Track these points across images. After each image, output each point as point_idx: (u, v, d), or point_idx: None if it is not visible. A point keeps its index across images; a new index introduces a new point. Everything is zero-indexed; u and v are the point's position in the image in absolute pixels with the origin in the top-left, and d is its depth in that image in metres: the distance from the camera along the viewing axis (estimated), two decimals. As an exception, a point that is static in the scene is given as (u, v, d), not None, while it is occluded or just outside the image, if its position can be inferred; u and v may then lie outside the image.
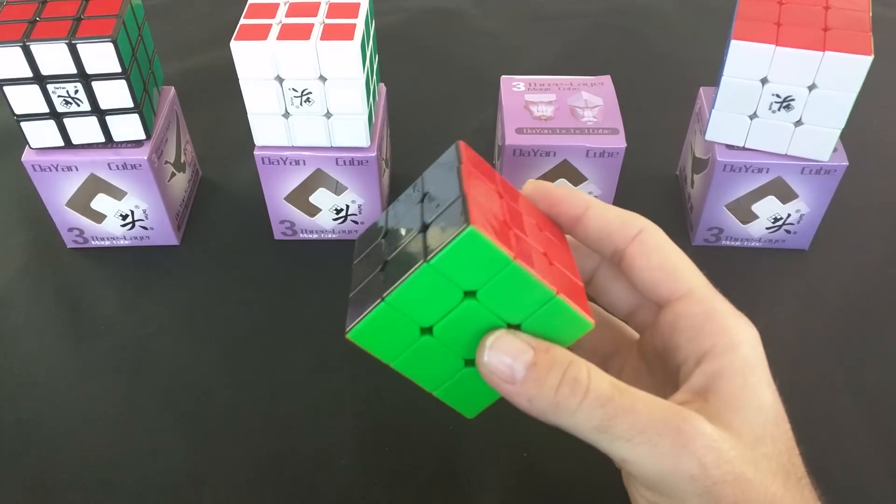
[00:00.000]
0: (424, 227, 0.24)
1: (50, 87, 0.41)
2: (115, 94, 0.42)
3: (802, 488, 0.25)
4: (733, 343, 0.26)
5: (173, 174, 0.48)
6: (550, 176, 0.45)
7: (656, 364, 0.29)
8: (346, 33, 0.39)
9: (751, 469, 0.24)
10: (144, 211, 0.46)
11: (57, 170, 0.44)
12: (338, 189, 0.46)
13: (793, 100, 0.41)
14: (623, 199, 0.47)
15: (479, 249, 0.22)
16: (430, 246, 0.23)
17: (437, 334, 0.25)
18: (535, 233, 0.26)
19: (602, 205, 0.28)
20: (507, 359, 0.24)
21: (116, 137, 0.44)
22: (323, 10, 0.41)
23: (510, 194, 0.27)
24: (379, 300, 0.24)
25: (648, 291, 0.28)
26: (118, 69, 0.41)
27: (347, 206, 0.47)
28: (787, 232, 0.47)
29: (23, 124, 0.42)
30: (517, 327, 0.25)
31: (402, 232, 0.25)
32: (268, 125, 0.43)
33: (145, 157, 0.44)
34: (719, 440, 0.23)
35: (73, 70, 0.40)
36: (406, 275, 0.23)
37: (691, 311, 0.27)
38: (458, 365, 0.26)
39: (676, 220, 0.50)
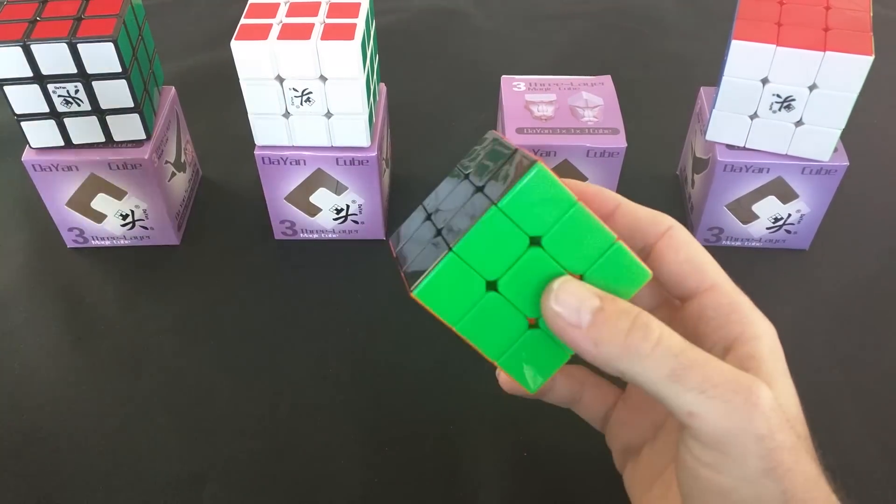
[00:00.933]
0: (479, 189, 0.25)
1: (50, 87, 0.41)
2: (115, 93, 0.42)
3: (825, 481, 0.25)
4: (759, 332, 0.26)
5: (173, 174, 0.48)
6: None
7: None
8: (346, 33, 0.39)
9: (800, 442, 0.24)
10: (144, 211, 0.46)
11: (57, 169, 0.44)
12: (338, 189, 0.45)
13: (793, 100, 0.41)
14: (623, 199, 0.47)
15: (546, 189, 0.23)
16: (496, 192, 0.23)
17: (503, 288, 0.25)
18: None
19: (631, 203, 0.29)
20: (573, 301, 0.24)
21: (117, 137, 0.44)
22: (323, 9, 0.41)
23: None
24: (447, 251, 0.24)
25: (676, 284, 0.28)
26: (118, 69, 0.41)
27: (348, 206, 0.47)
28: (788, 232, 0.47)
29: (23, 124, 0.42)
30: (580, 279, 0.25)
31: (454, 204, 0.26)
32: (268, 125, 0.43)
33: (145, 157, 0.44)
34: (778, 408, 0.24)
35: (74, 70, 0.40)
36: (474, 221, 0.23)
37: (718, 302, 0.27)
38: (522, 326, 0.26)
39: (677, 219, 0.50)
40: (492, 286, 0.25)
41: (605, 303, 0.24)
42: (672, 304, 0.31)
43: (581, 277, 0.25)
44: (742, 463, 0.23)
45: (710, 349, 0.27)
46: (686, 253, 0.28)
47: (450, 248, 0.24)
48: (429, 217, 0.27)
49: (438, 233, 0.25)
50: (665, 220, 0.29)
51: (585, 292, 0.24)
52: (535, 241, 0.24)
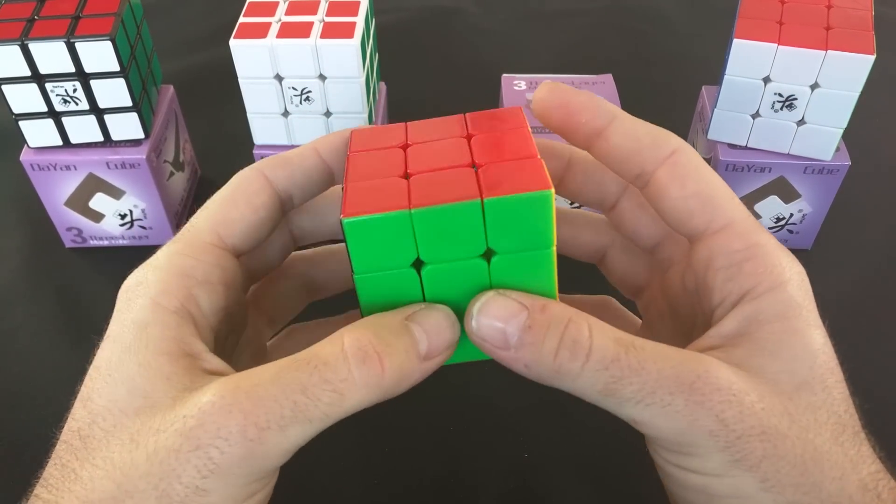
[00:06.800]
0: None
1: (48, 86, 0.41)
2: (113, 92, 0.42)
3: (860, 444, 0.23)
4: (777, 282, 0.23)
5: (172, 173, 0.48)
6: (551, 175, 0.45)
7: (683, 305, 0.26)
8: (345, 32, 0.39)
9: (785, 421, 0.21)
10: (143, 210, 0.46)
11: (55, 169, 0.44)
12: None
13: (795, 99, 0.40)
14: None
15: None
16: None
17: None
18: (456, 150, 0.24)
19: (630, 118, 0.25)
20: (498, 323, 0.22)
21: (115, 136, 0.44)
22: (323, 8, 0.41)
23: (441, 130, 0.25)
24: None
25: (680, 223, 0.24)
26: (117, 68, 0.41)
27: (347, 206, 0.46)
28: (790, 232, 0.46)
29: (21, 123, 0.42)
30: (492, 254, 0.22)
31: None
32: (267, 124, 0.42)
33: (144, 157, 0.44)
34: (742, 392, 0.21)
35: (72, 69, 0.40)
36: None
37: (730, 248, 0.23)
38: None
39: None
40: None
41: (533, 316, 0.22)
42: (678, 238, 0.26)
43: (493, 253, 0.22)
44: (706, 459, 0.21)
45: (719, 304, 0.24)
46: (694, 185, 0.23)
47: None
48: None
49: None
50: (669, 142, 0.24)
51: (509, 310, 0.22)
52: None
